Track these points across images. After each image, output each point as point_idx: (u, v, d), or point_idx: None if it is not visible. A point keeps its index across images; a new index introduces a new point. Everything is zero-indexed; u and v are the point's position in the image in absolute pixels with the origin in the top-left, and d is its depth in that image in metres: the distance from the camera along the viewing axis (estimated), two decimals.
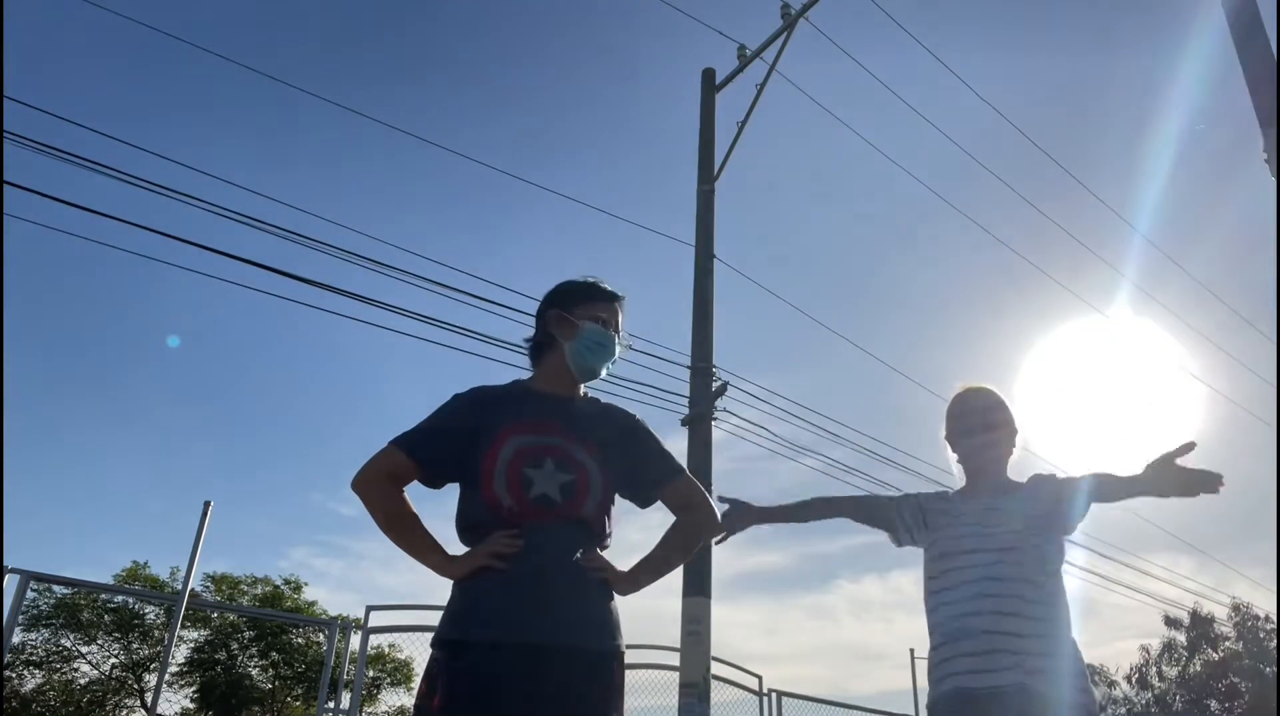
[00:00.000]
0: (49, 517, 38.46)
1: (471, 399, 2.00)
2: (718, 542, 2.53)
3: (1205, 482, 2.06)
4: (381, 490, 1.92)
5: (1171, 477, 2.09)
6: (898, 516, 2.47)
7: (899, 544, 2.47)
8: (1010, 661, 2.07)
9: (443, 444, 1.95)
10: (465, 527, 1.92)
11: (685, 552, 2.11)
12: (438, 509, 2.04)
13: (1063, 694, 2.05)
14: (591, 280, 2.13)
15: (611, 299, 2.11)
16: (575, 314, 2.05)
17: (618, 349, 2.07)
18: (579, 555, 1.87)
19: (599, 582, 1.89)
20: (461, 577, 1.84)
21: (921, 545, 2.41)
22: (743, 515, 2.53)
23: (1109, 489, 2.21)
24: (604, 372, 2.08)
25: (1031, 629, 2.11)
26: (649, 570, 2.02)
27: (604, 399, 2.16)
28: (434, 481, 1.98)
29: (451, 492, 2.01)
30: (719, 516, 2.13)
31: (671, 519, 2.11)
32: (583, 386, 2.11)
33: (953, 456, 2.46)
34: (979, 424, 2.39)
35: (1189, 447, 2.08)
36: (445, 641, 1.77)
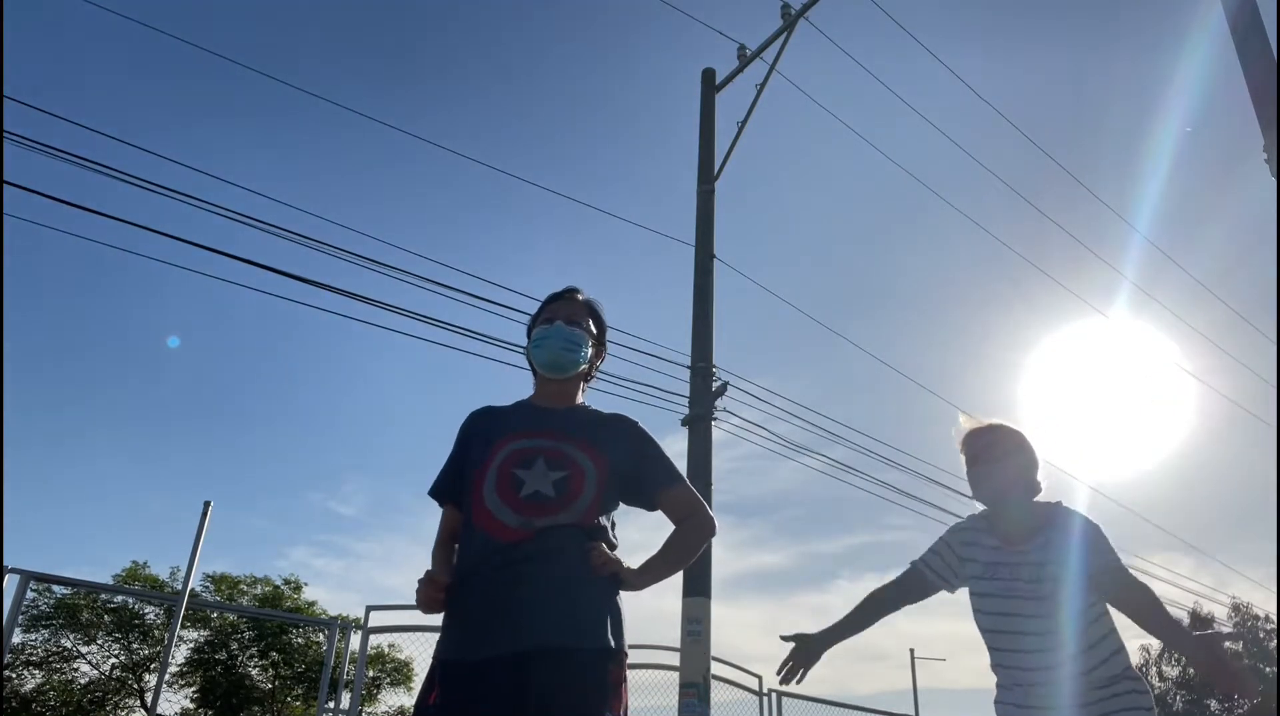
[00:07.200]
0: (49, 517, 38.49)
1: (473, 420, 2.15)
2: (797, 682, 2.45)
3: (1242, 687, 2.03)
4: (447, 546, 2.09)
5: (1214, 664, 2.06)
6: (931, 575, 2.47)
7: (953, 590, 2.47)
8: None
9: (456, 477, 2.10)
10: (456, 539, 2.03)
11: (685, 559, 2.11)
12: (427, 524, 2.16)
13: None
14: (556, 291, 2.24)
15: (558, 297, 2.21)
16: (536, 325, 2.19)
17: (567, 333, 2.12)
18: (576, 552, 1.88)
19: (600, 580, 1.89)
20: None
21: (965, 584, 2.43)
22: (817, 645, 2.43)
23: (1147, 615, 2.19)
24: (579, 361, 2.14)
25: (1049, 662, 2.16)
26: (654, 572, 2.03)
27: (604, 397, 2.21)
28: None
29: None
30: (714, 525, 2.14)
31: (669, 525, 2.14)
32: (581, 397, 2.19)
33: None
34: (980, 456, 2.36)
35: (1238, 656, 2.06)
36: (440, 660, 1.84)
